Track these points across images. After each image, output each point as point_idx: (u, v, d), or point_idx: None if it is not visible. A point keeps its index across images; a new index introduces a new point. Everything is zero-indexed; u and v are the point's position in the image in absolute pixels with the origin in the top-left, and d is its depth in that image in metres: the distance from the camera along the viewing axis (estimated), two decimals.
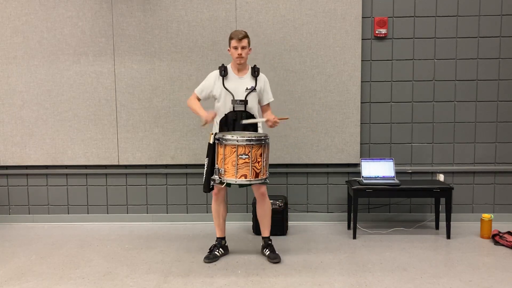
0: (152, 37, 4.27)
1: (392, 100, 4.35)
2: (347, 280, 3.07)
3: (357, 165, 4.29)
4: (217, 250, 3.51)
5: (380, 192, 3.96)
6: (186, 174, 4.45)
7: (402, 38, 4.28)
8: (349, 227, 4.23)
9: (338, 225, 4.35)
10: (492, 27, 4.24)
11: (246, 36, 3.37)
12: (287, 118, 3.57)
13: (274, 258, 3.44)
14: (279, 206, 4.06)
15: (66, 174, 4.48)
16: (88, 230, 4.30)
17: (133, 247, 3.79)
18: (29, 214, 4.53)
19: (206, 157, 3.34)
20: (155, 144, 4.36)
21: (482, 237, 3.94)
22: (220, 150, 3.18)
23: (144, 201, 4.49)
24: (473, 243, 3.84)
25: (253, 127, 3.43)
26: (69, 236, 4.12)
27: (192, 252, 3.65)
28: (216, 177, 3.20)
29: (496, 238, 3.81)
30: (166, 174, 4.46)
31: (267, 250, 3.52)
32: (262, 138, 3.20)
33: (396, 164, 4.17)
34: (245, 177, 3.15)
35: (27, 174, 4.49)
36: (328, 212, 4.45)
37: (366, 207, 4.43)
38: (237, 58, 3.36)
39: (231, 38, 3.38)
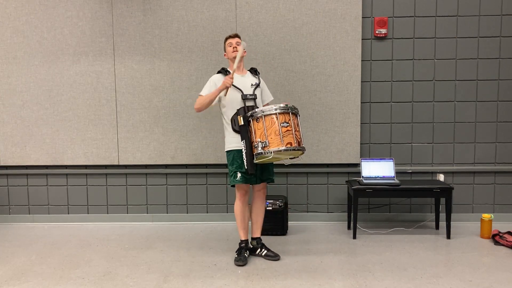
0: (152, 37, 4.27)
1: (392, 100, 4.35)
2: (347, 280, 3.07)
3: (357, 165, 4.29)
4: (246, 252, 3.48)
5: (380, 192, 3.96)
6: (186, 174, 4.45)
7: (402, 38, 4.28)
8: (349, 227, 4.23)
9: (338, 225, 4.35)
10: (492, 27, 4.24)
11: (238, 35, 3.47)
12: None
13: (275, 256, 3.45)
14: (279, 206, 4.06)
15: (66, 174, 4.48)
16: (88, 230, 4.30)
17: (133, 247, 3.79)
18: (29, 214, 4.53)
19: (242, 139, 3.23)
20: (155, 144, 4.36)
21: (482, 237, 3.94)
22: (258, 125, 3.15)
23: (144, 201, 4.50)
24: (473, 243, 3.84)
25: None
26: (69, 236, 4.12)
27: (192, 252, 3.65)
28: (260, 150, 3.11)
29: (496, 238, 3.81)
30: (166, 174, 4.46)
31: (263, 250, 3.51)
32: (295, 108, 3.23)
33: (396, 164, 4.17)
34: (290, 145, 3.10)
35: (27, 174, 4.49)
36: (328, 212, 4.45)
37: (366, 207, 4.43)
38: (232, 52, 3.41)
39: (225, 41, 3.49)
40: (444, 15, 4.24)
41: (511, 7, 4.23)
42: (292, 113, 3.18)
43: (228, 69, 3.46)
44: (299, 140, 3.17)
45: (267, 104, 3.58)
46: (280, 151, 3.08)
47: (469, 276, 3.14)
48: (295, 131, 3.14)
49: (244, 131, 3.23)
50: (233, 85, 3.36)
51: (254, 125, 3.18)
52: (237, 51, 3.39)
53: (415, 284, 3.01)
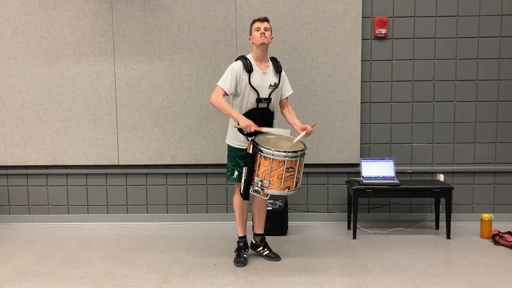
0: (152, 37, 4.27)
1: (392, 100, 4.35)
2: (347, 280, 3.07)
3: (357, 165, 4.29)
4: (245, 252, 3.47)
5: (380, 192, 3.96)
6: (186, 174, 4.45)
7: (402, 38, 4.27)
8: (349, 227, 4.23)
9: (338, 225, 4.35)
10: (492, 27, 4.24)
11: (268, 19, 3.29)
12: (315, 124, 3.52)
13: (276, 257, 3.46)
14: (279, 206, 4.06)
15: (66, 174, 4.48)
16: (88, 230, 4.30)
17: (133, 247, 3.80)
18: (29, 214, 4.53)
19: (244, 166, 3.12)
20: (155, 144, 4.36)
21: (482, 237, 3.94)
22: (264, 162, 3.05)
23: (144, 201, 4.50)
24: (473, 243, 3.84)
25: (270, 123, 3.37)
26: (69, 236, 4.12)
27: (192, 252, 3.65)
28: (258, 188, 3.07)
29: (496, 238, 3.81)
30: (166, 174, 4.46)
31: (266, 250, 3.52)
32: (304, 150, 3.15)
33: (396, 164, 4.17)
34: (289, 189, 3.10)
35: (27, 174, 4.49)
36: (328, 212, 4.45)
37: (366, 207, 4.43)
38: (259, 37, 3.20)
39: (253, 22, 3.28)
40: (444, 15, 4.24)
41: (511, 7, 4.23)
42: (300, 157, 3.10)
43: (247, 57, 3.29)
44: (297, 181, 3.17)
45: (286, 99, 3.49)
46: (280, 194, 3.15)
47: (469, 276, 3.14)
48: (297, 174, 3.12)
49: (249, 159, 3.09)
50: (251, 85, 3.25)
51: (260, 159, 3.07)
52: (265, 37, 3.22)
53: (415, 284, 3.01)
